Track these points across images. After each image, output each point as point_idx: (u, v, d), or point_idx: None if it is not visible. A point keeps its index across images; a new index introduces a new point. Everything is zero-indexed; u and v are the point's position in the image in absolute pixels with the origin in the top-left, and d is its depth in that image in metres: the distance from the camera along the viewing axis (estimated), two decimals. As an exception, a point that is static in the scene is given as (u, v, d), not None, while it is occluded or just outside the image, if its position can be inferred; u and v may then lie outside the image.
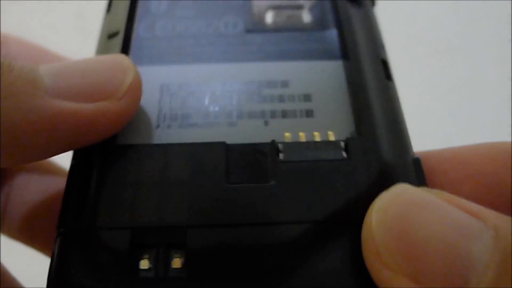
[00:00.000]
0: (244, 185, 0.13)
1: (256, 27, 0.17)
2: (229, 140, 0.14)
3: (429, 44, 0.48)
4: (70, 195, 0.13)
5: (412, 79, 0.44)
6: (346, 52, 0.16)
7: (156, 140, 0.14)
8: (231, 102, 0.15)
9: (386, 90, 0.15)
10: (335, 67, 0.16)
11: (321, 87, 0.15)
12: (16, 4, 0.52)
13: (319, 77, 0.15)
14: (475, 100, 0.43)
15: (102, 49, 0.17)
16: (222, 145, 0.13)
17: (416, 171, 0.13)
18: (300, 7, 0.17)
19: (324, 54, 0.16)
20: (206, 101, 0.15)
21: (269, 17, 0.17)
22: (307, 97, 0.15)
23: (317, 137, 0.14)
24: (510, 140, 0.14)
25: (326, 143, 0.13)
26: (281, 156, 0.13)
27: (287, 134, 0.14)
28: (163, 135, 0.14)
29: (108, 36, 0.17)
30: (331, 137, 0.14)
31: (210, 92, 0.15)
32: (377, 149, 0.13)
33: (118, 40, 0.16)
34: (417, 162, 0.14)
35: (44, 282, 0.12)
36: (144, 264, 0.12)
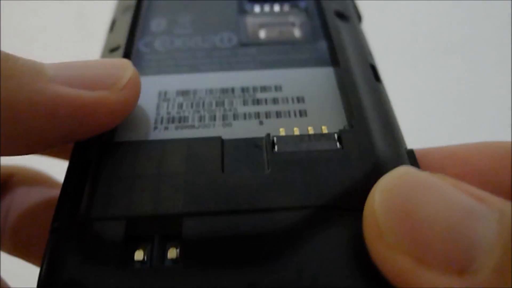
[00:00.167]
0: (239, 174, 0.13)
1: (250, 40, 0.18)
2: (225, 137, 0.14)
3: (429, 44, 0.48)
4: (66, 192, 0.13)
5: (412, 79, 0.44)
6: (336, 59, 0.16)
7: (153, 139, 0.14)
8: (226, 106, 0.15)
9: (376, 89, 0.16)
10: (326, 72, 0.16)
11: (313, 90, 0.16)
12: (16, 4, 0.52)
13: (311, 82, 0.16)
14: (475, 100, 0.43)
15: None
16: (218, 139, 0.14)
17: (411, 162, 0.13)
18: (291, 24, 0.18)
19: (315, 62, 0.17)
20: (202, 106, 0.15)
21: (262, 33, 0.18)
22: (300, 99, 0.15)
23: (311, 131, 0.14)
24: (510, 139, 0.14)
25: (320, 135, 0.14)
26: (276, 148, 0.13)
27: (282, 129, 0.14)
28: (160, 135, 0.14)
29: (110, 50, 0.18)
30: (325, 131, 0.14)
31: (205, 97, 0.16)
32: (370, 141, 0.13)
33: (119, 53, 0.17)
34: (411, 153, 0.14)
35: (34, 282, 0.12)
36: (139, 255, 0.12)
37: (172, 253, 0.12)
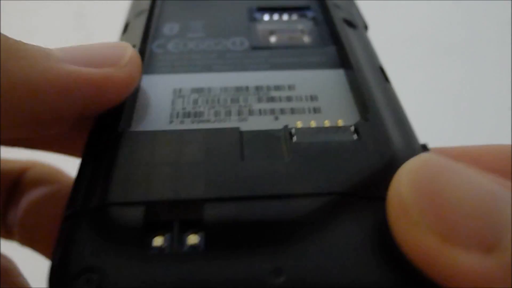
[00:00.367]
0: (259, 161, 0.13)
1: (261, 44, 0.18)
2: (242, 129, 0.14)
3: (429, 44, 0.48)
4: (81, 179, 0.13)
5: (412, 79, 0.44)
6: (348, 60, 0.16)
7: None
8: (241, 102, 0.15)
9: (386, 89, 0.16)
10: (337, 74, 0.17)
11: (325, 89, 0.16)
12: (16, 4, 0.52)
13: (323, 82, 0.16)
14: (475, 100, 0.43)
15: None
16: (236, 130, 0.14)
17: None
18: (300, 31, 0.19)
19: (326, 64, 0.17)
20: (217, 102, 0.15)
21: (272, 38, 0.19)
22: (313, 97, 0.16)
23: (328, 124, 0.14)
24: (510, 139, 0.14)
25: (337, 128, 0.14)
26: (294, 139, 0.14)
27: (298, 122, 0.14)
28: (176, 128, 0.14)
29: None
30: (341, 124, 0.14)
31: (220, 95, 0.16)
32: (386, 133, 0.14)
33: None
34: (425, 148, 0.14)
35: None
36: (159, 241, 0.11)
37: (193, 239, 0.11)
